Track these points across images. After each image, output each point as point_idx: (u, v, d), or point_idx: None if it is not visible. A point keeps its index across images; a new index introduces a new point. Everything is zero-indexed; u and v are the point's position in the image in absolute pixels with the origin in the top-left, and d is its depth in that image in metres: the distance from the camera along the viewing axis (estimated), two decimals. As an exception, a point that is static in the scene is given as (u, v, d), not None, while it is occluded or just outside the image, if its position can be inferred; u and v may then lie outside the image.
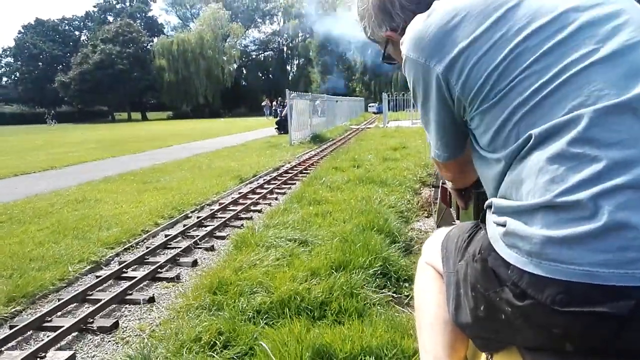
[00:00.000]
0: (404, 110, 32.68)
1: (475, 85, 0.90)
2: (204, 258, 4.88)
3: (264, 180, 9.40)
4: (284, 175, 9.87)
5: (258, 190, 8.19)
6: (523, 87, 0.86)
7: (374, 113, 45.62)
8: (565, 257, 0.75)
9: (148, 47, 63.36)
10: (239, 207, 6.86)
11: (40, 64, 68.41)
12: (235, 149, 15.72)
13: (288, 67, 74.15)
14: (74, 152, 18.14)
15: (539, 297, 0.78)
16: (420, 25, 0.98)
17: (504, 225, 0.86)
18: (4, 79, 75.64)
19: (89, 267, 4.63)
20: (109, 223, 5.97)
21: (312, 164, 11.35)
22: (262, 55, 73.64)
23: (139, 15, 69.69)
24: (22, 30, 68.79)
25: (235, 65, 70.32)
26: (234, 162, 12.06)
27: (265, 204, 7.29)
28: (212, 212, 6.64)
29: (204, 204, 7.29)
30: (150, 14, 72.24)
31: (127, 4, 70.78)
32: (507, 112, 0.87)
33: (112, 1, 70.59)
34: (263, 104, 40.98)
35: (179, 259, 4.74)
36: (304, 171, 10.33)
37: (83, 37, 69.75)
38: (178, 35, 61.81)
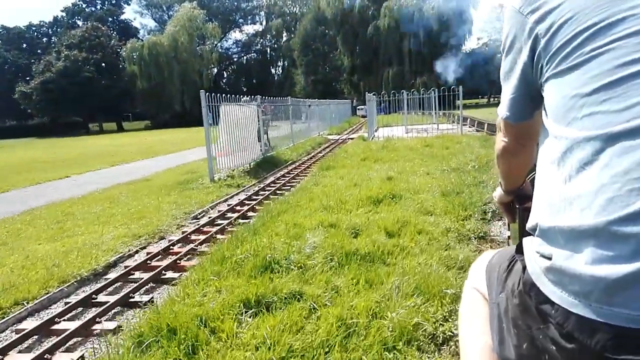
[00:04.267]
0: (397, 112, 26.32)
1: (560, 42, 0.82)
2: None
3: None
4: (90, 308, 3.52)
5: None
6: (608, 57, 0.75)
7: (363, 117, 39.34)
8: (617, 300, 0.67)
9: (121, 52, 56.79)
10: None
11: (6, 74, 61.74)
12: (123, 190, 9.33)
13: (273, 70, 67.63)
14: None
15: (588, 341, 0.70)
16: None
17: (549, 258, 0.78)
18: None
19: None
20: None
21: (204, 243, 5.04)
22: (244, 57, 67.10)
23: (110, 19, 62.78)
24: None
25: (215, 70, 64.00)
26: (65, 237, 5.74)
27: None
28: None
29: None
30: (123, 17, 65.33)
31: (98, 7, 63.91)
32: (581, 80, 0.77)
33: (82, 4, 63.62)
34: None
35: None
36: (161, 275, 4.05)
37: (51, 44, 62.98)
38: (149, 38, 55.28)
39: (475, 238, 4.65)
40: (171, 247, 5.15)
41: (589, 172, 0.72)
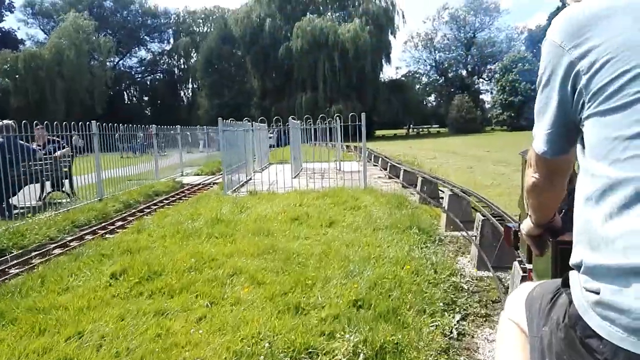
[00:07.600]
0: (310, 142, 20.31)
1: (603, 81, 0.79)
2: None
3: None
4: None
5: None
6: None
7: (271, 146, 33.14)
8: None
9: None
10: None
11: None
12: None
13: (181, 92, 60.19)
14: None
15: None
16: (571, 9, 0.88)
17: (596, 292, 0.75)
18: None
19: None
20: None
21: None
22: (149, 77, 59.26)
23: (-16, 27, 52.82)
24: None
25: (116, 89, 55.65)
26: None
27: None
28: None
29: None
30: (3, 25, 55.38)
31: (-30, 12, 53.55)
32: (625, 122, 0.75)
33: (-51, 9, 52.93)
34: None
35: None
36: None
37: None
38: (26, 49, 46.36)
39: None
40: None
41: (633, 212, 0.70)
